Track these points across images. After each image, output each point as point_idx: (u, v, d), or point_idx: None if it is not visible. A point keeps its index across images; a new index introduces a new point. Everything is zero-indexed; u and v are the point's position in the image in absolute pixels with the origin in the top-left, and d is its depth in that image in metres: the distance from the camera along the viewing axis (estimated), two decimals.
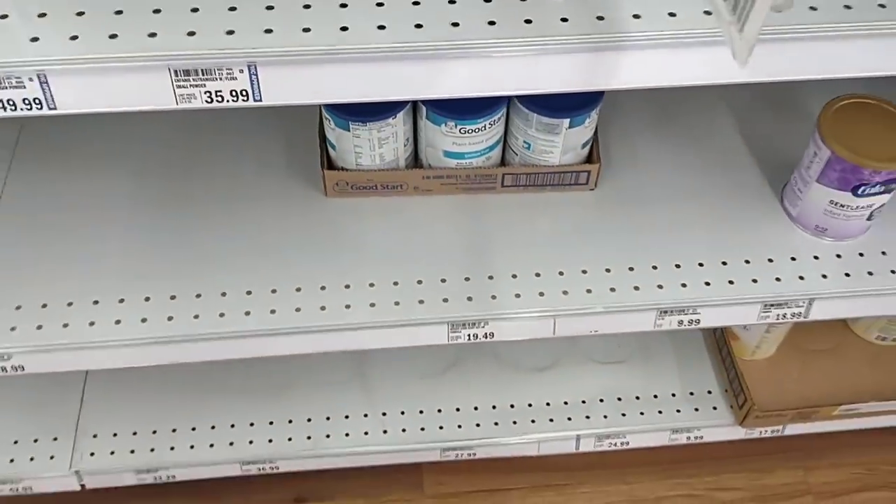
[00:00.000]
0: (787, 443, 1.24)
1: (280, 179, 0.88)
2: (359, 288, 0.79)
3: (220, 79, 0.51)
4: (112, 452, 1.00)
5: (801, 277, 0.81)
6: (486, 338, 0.80)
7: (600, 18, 0.52)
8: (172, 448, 1.00)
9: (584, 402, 1.07)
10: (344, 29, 0.51)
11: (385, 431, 1.04)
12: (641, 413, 1.07)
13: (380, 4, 0.53)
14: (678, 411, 1.07)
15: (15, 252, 0.81)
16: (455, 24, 0.51)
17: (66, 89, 0.50)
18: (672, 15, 0.52)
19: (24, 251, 0.81)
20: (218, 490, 1.07)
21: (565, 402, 1.07)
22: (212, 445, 1.01)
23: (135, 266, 0.80)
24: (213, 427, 1.02)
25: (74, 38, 0.50)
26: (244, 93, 0.51)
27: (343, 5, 0.52)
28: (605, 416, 1.06)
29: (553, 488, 1.21)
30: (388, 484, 1.17)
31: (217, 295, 0.78)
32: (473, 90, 0.52)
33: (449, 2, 0.53)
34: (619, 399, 1.08)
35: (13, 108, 0.51)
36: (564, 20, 0.52)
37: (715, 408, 1.07)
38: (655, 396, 1.08)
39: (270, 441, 1.02)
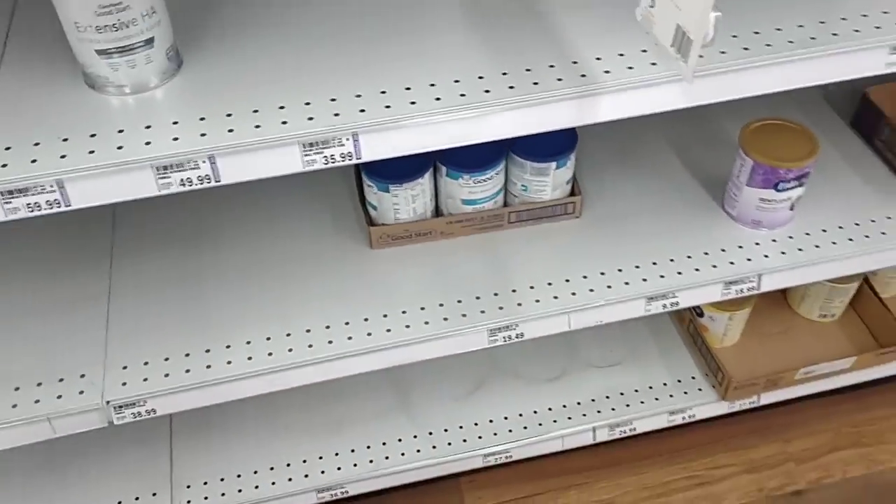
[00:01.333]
0: (766, 420, 1.46)
1: (330, 238, 1.09)
2: (413, 312, 1.00)
3: (334, 146, 0.73)
4: (206, 498, 1.15)
5: (749, 259, 1.05)
6: (518, 338, 1.01)
7: (583, 76, 0.76)
8: (256, 487, 1.17)
9: (593, 400, 1.28)
10: (413, 103, 0.74)
11: (434, 447, 1.22)
12: (642, 402, 1.28)
13: (432, 84, 0.76)
14: (671, 396, 1.28)
15: (133, 318, 0.99)
16: (487, 91, 0.75)
17: (228, 167, 0.72)
18: (630, 68, 0.76)
19: (138, 317, 0.99)
20: None
21: (578, 403, 1.28)
22: (290, 479, 1.18)
23: (232, 317, 0.99)
24: (288, 464, 1.19)
25: (231, 130, 0.72)
26: (350, 154, 0.74)
27: (408, 88, 0.76)
28: (613, 409, 1.27)
29: (576, 487, 1.39)
30: (432, 502, 1.34)
31: (303, 331, 0.98)
32: (506, 133, 0.76)
33: (478, 77, 0.77)
34: (622, 394, 1.29)
35: (190, 184, 0.72)
36: (560, 80, 0.76)
37: (700, 389, 1.29)
38: (650, 387, 1.29)
39: (339, 469, 1.19)
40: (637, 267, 1.05)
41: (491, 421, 1.26)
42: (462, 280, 1.04)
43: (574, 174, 1.10)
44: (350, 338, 0.97)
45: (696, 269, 1.04)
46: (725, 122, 1.22)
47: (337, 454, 1.21)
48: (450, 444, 1.23)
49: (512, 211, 1.09)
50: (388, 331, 0.98)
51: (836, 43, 0.79)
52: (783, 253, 1.06)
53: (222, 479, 1.17)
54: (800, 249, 1.06)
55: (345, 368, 0.97)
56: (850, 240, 1.07)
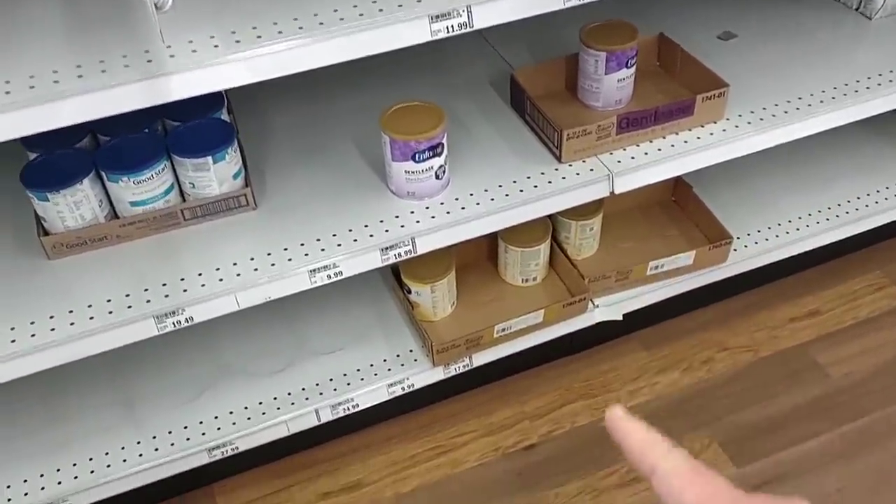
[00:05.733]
0: (507, 387, 1.58)
1: (8, 253, 1.14)
2: (79, 312, 1.05)
3: None
4: None
5: (403, 226, 1.17)
6: (188, 322, 1.08)
7: (150, 62, 0.86)
8: None
9: (317, 384, 1.36)
10: None
11: (157, 449, 1.26)
12: (362, 379, 1.36)
13: (7, 81, 0.84)
14: (389, 370, 1.37)
15: None
16: (56, 82, 0.84)
17: None
18: (190, 42, 0.86)
19: None
20: None
21: (302, 389, 1.35)
22: (9, 500, 1.19)
23: None
24: (8, 486, 1.21)
25: None
26: None
27: None
28: (335, 389, 1.35)
29: (327, 474, 1.46)
30: None
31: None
32: (80, 118, 0.84)
33: (53, 71, 0.85)
34: (345, 375, 1.37)
35: None
36: (127, 66, 0.85)
37: (416, 360, 1.39)
38: (371, 365, 1.38)
39: (60, 483, 1.21)
40: (302, 244, 1.14)
41: (216, 417, 1.31)
42: (134, 277, 1.10)
43: (246, 168, 1.19)
44: (14, 340, 1.02)
45: (355, 240, 1.15)
46: (373, 109, 1.32)
47: (59, 470, 1.23)
48: (173, 444, 1.27)
49: (185, 208, 1.16)
50: (52, 330, 1.03)
51: (382, 17, 0.92)
52: (433, 217, 1.18)
53: None
54: (448, 213, 1.18)
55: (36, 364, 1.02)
56: (493, 199, 1.20)
